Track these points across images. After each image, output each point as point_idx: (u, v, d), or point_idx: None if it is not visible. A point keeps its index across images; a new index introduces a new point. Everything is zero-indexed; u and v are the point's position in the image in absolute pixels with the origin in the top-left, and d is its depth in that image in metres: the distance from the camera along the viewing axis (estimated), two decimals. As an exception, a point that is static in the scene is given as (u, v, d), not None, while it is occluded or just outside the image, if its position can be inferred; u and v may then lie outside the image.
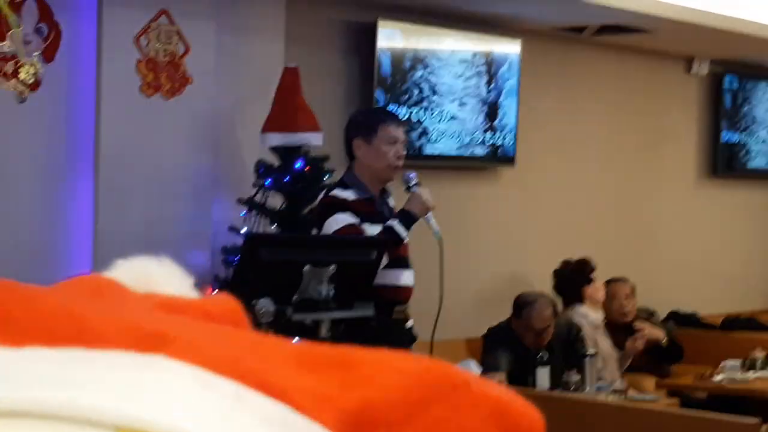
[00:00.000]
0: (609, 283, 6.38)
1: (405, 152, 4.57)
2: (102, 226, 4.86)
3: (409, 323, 4.56)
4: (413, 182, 4.49)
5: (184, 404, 0.45)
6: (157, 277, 0.62)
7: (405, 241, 4.47)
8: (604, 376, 5.81)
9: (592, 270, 6.20)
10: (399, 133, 4.55)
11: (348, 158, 4.61)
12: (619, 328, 6.27)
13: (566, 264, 6.28)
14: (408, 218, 4.42)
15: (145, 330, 0.50)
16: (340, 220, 4.35)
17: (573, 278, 6.19)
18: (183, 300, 0.58)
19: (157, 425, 0.44)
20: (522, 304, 5.62)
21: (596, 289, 6.18)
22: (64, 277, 0.59)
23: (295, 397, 0.48)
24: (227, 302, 0.57)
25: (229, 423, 0.46)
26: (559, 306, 6.05)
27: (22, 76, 4.81)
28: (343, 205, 4.38)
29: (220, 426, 0.45)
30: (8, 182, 4.67)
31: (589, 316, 6.08)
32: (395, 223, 4.40)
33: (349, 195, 4.42)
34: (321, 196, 4.60)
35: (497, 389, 0.52)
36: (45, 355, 0.47)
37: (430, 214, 4.46)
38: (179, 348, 0.49)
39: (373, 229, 4.38)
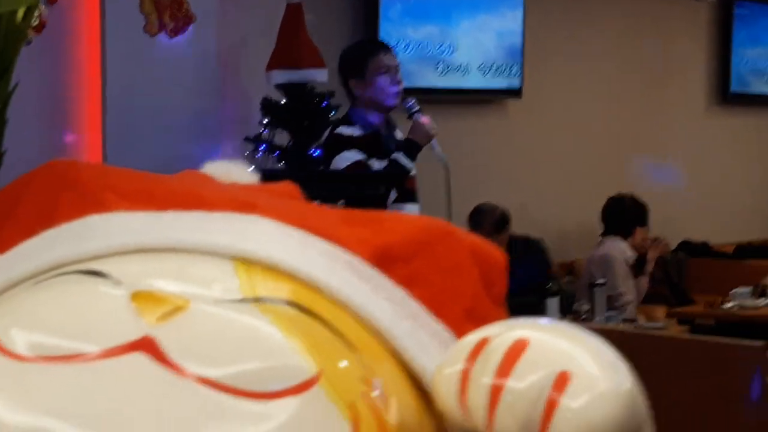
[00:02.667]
0: None
1: (400, 78, 4.70)
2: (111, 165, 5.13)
3: None
4: (414, 109, 4.63)
5: (272, 242, 0.75)
6: (234, 173, 0.92)
7: (412, 173, 4.64)
8: (631, 313, 6.11)
9: (647, 214, 6.48)
10: (390, 60, 4.71)
11: (349, 98, 4.80)
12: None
13: (627, 197, 6.53)
14: (412, 148, 4.57)
15: (240, 200, 0.80)
16: (347, 158, 4.52)
17: (631, 213, 6.46)
18: (257, 185, 0.88)
19: (255, 254, 0.74)
20: (472, 214, 5.95)
21: (645, 235, 6.46)
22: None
23: (342, 240, 0.78)
24: (288, 185, 0.87)
25: (300, 254, 0.76)
26: (598, 231, 6.39)
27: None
28: (348, 142, 4.55)
29: (295, 256, 0.75)
30: (14, 126, 4.93)
31: (627, 252, 6.37)
32: (399, 156, 4.55)
33: (354, 131, 4.59)
34: (326, 133, 4.81)
35: (474, 237, 0.82)
36: (179, 215, 0.77)
37: (434, 141, 4.61)
38: (263, 210, 0.79)
39: (380, 165, 4.55)
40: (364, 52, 4.78)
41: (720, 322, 6.20)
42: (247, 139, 5.33)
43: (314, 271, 0.75)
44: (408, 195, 4.70)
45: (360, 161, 4.54)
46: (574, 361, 0.67)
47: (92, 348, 0.67)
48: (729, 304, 6.20)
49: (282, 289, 0.73)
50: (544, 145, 7.13)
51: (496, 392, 0.67)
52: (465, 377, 0.69)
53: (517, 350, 0.68)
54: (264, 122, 5.31)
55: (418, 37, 6.33)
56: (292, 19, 5.33)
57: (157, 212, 0.77)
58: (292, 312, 0.72)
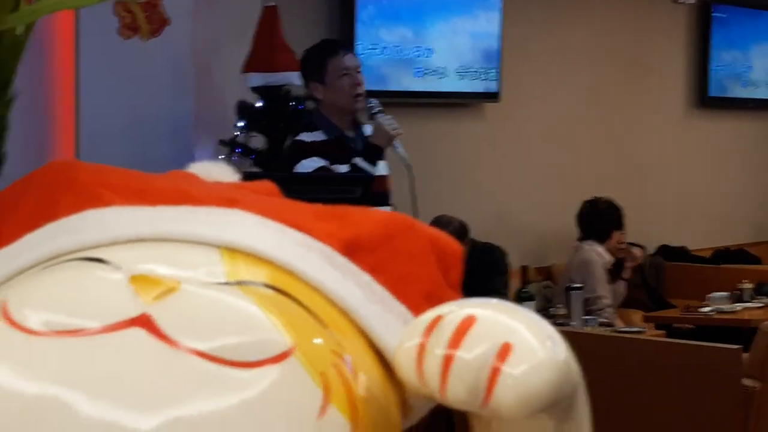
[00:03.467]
0: None
1: (361, 79, 4.70)
2: (85, 170, 5.23)
3: None
4: (375, 110, 4.64)
5: (252, 232, 0.87)
6: (216, 172, 1.04)
7: (385, 174, 4.67)
8: (609, 317, 6.25)
9: (623, 217, 6.62)
10: (349, 60, 4.74)
11: (313, 101, 4.87)
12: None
13: (602, 200, 6.67)
14: (372, 151, 4.59)
15: (223, 196, 0.92)
16: (307, 166, 4.56)
17: (607, 217, 6.59)
18: (238, 183, 1.00)
19: (237, 243, 0.87)
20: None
21: (621, 238, 6.60)
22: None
23: (314, 232, 0.90)
24: (267, 184, 0.99)
25: (277, 243, 0.88)
26: (575, 236, 6.53)
27: None
28: (308, 150, 4.59)
29: (273, 245, 0.87)
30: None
31: (605, 257, 6.50)
32: (359, 160, 4.55)
33: (316, 137, 4.63)
34: (288, 142, 4.87)
35: (432, 229, 0.94)
36: (169, 209, 0.89)
37: (397, 142, 4.61)
38: (245, 205, 0.91)
39: (343, 169, 4.57)
40: (323, 54, 4.80)
41: (698, 326, 6.34)
42: (222, 142, 5.42)
43: (290, 258, 0.87)
44: (378, 198, 4.66)
45: (324, 167, 4.56)
46: (516, 334, 0.80)
47: (95, 324, 0.79)
48: (706, 309, 6.34)
49: (262, 274, 0.86)
50: (521, 149, 7.26)
51: (447, 362, 0.80)
52: (421, 349, 0.81)
53: (466, 325, 0.80)
54: (239, 125, 5.40)
55: (394, 40, 6.46)
56: (268, 22, 5.41)
57: (149, 207, 0.89)
58: (271, 293, 0.84)
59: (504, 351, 0.79)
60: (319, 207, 0.94)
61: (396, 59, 6.48)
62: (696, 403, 4.51)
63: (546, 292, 6.83)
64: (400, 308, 0.90)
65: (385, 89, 6.11)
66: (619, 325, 6.23)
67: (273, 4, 5.44)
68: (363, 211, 0.93)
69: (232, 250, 0.87)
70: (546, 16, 7.35)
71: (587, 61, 7.62)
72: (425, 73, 6.63)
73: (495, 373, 0.79)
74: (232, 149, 5.37)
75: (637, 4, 7.90)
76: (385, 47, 6.44)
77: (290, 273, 0.87)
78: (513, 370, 0.79)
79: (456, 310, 0.82)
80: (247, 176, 3.73)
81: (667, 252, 7.65)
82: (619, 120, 7.84)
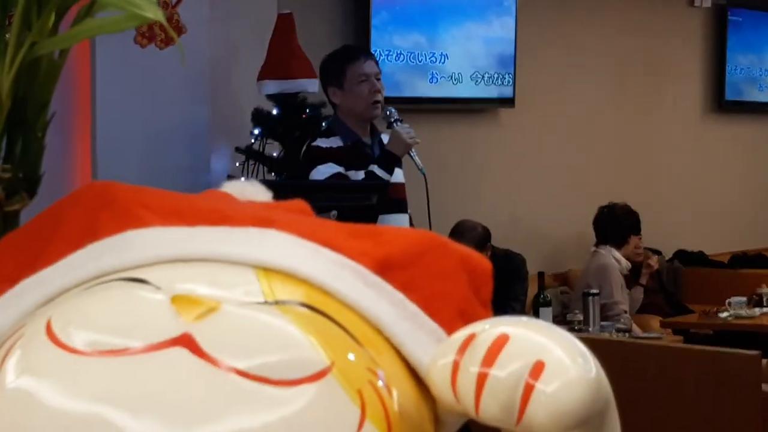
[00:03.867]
0: None
1: (381, 85, 4.75)
2: (101, 177, 5.26)
3: None
4: (393, 118, 4.69)
5: (288, 252, 0.90)
6: (249, 191, 1.06)
7: (395, 182, 4.68)
8: (626, 322, 6.27)
9: (640, 222, 6.65)
10: (369, 67, 4.78)
11: (332, 106, 4.90)
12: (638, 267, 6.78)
13: (616, 205, 6.69)
14: (389, 159, 4.63)
15: (259, 216, 0.94)
16: (323, 172, 4.60)
17: (625, 222, 6.61)
18: (272, 203, 1.03)
19: (273, 263, 0.89)
20: (453, 232, 6.08)
21: (638, 243, 6.63)
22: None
23: (348, 251, 0.93)
24: (299, 203, 1.02)
25: (312, 263, 0.90)
26: (592, 241, 6.55)
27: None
28: (323, 156, 4.63)
29: (308, 264, 0.90)
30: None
31: (621, 262, 6.52)
32: (375, 168, 4.60)
33: (332, 143, 4.67)
34: (304, 148, 4.89)
35: (463, 247, 0.97)
36: (206, 230, 0.92)
37: (413, 150, 4.65)
38: (280, 225, 0.93)
39: (359, 176, 4.61)
40: (343, 60, 4.85)
41: (716, 331, 6.35)
42: (237, 149, 5.46)
43: (325, 278, 0.90)
44: (395, 205, 4.74)
45: (339, 173, 4.60)
46: (548, 352, 0.82)
47: (138, 344, 0.81)
48: (724, 314, 6.35)
49: (297, 293, 0.88)
50: (537, 154, 7.28)
51: (481, 379, 0.82)
52: (456, 367, 0.84)
53: (499, 343, 0.83)
54: (255, 132, 5.44)
55: (408, 46, 6.49)
56: (284, 29, 5.45)
57: (187, 227, 0.92)
58: (307, 312, 0.87)
59: (537, 369, 0.81)
60: (352, 226, 0.96)
61: (411, 65, 6.51)
62: (715, 409, 4.51)
63: (563, 298, 6.86)
64: (433, 325, 0.93)
65: (399, 95, 6.14)
66: (637, 330, 6.24)
67: (288, 11, 5.48)
68: (395, 229, 0.96)
69: (268, 270, 0.90)
70: (560, 21, 7.37)
71: (602, 66, 7.64)
72: (440, 79, 6.66)
73: (528, 390, 0.81)
74: (248, 156, 5.41)
75: (653, 9, 7.92)
76: (399, 53, 6.48)
77: (325, 292, 0.90)
78: (546, 387, 0.81)
79: (489, 328, 0.84)
80: (264, 185, 3.75)
81: (684, 257, 7.66)
82: (635, 125, 7.86)
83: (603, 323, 5.91)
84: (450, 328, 0.90)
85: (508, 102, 7.01)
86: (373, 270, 0.92)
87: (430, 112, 6.50)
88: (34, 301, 0.90)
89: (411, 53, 6.54)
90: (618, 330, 5.91)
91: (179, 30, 5.53)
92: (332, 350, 0.84)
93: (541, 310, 5.74)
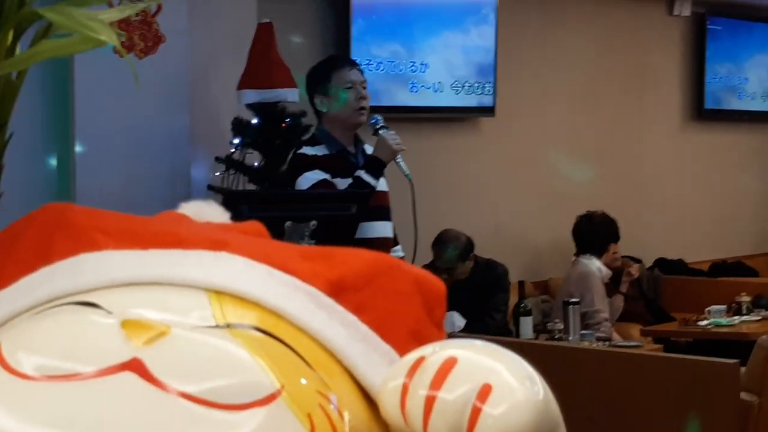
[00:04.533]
0: None
1: (366, 93, 4.77)
2: (81, 187, 5.23)
3: None
4: (379, 125, 4.70)
5: (240, 275, 0.91)
6: (207, 212, 1.07)
7: (378, 190, 4.69)
8: (606, 331, 6.29)
9: (618, 230, 6.66)
10: (354, 75, 4.81)
11: (316, 116, 4.92)
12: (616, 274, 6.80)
13: (594, 214, 6.71)
14: (375, 165, 4.65)
15: (213, 238, 0.95)
16: (310, 179, 4.62)
17: (602, 230, 6.63)
18: (226, 224, 1.03)
19: (225, 287, 0.90)
20: (437, 242, 6.10)
21: (616, 251, 6.65)
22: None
23: (301, 273, 0.93)
24: (255, 224, 1.02)
25: (264, 286, 0.91)
26: (572, 250, 6.57)
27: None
28: (310, 163, 4.65)
29: (260, 287, 0.90)
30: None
31: (603, 270, 6.54)
32: (362, 173, 4.62)
33: (318, 151, 4.69)
34: (290, 155, 4.89)
35: (417, 269, 0.97)
36: (160, 253, 0.92)
37: (399, 157, 4.66)
38: (233, 247, 0.94)
39: (345, 183, 4.62)
40: (328, 68, 4.88)
41: (696, 339, 6.37)
42: (217, 159, 5.46)
43: (277, 300, 0.90)
44: (378, 212, 4.78)
45: (325, 180, 4.62)
46: (495, 375, 0.83)
47: (89, 368, 0.82)
48: (704, 322, 6.37)
49: (249, 316, 0.89)
50: (518, 163, 7.30)
51: (430, 402, 0.83)
52: (405, 390, 0.84)
53: (447, 366, 0.83)
54: (235, 142, 5.44)
55: (387, 56, 6.50)
56: (263, 39, 5.45)
57: (141, 250, 0.92)
58: (258, 336, 0.87)
59: (484, 392, 0.82)
60: (305, 248, 0.97)
61: (391, 74, 6.52)
62: (695, 417, 4.53)
63: (543, 307, 6.87)
64: (385, 347, 0.93)
65: (380, 104, 6.15)
66: (617, 339, 6.26)
67: (268, 20, 5.49)
68: (349, 251, 0.97)
69: (220, 293, 0.90)
70: (540, 30, 7.39)
71: (583, 74, 7.67)
72: (420, 89, 6.67)
73: (476, 413, 0.82)
74: (228, 166, 5.41)
75: (633, 17, 7.95)
76: (380, 62, 6.49)
77: (277, 315, 0.90)
78: (493, 410, 0.82)
79: (438, 351, 0.85)
80: (244, 195, 3.76)
81: (664, 265, 7.68)
82: (615, 133, 7.88)
83: (583, 332, 5.92)
84: (403, 350, 0.91)
85: (488, 111, 7.02)
86: (326, 292, 0.93)
87: (411, 121, 6.50)
88: None
89: (391, 62, 6.55)
90: (598, 338, 5.92)
91: (159, 39, 5.53)
92: (282, 374, 0.84)
93: (521, 319, 5.74)
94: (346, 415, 0.87)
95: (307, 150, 4.75)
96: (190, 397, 0.80)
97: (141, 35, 5.50)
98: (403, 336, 0.94)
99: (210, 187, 5.43)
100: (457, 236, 6.14)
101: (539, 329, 6.19)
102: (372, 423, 0.89)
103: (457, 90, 6.84)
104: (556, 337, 5.79)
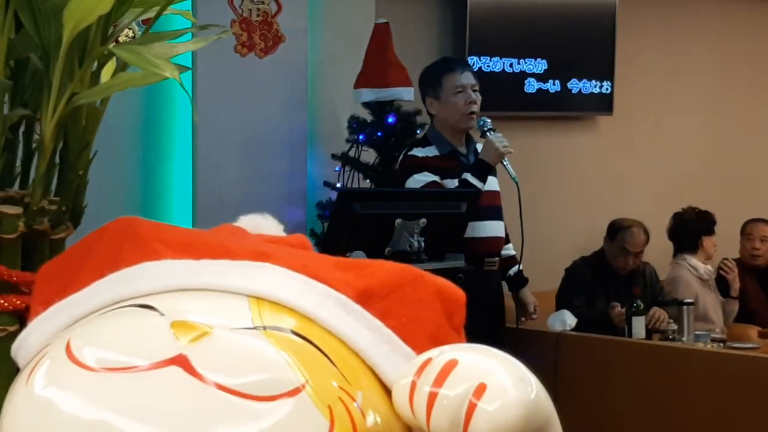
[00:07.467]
0: (747, 222, 6.87)
1: (478, 96, 4.89)
2: (201, 184, 5.44)
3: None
4: (486, 128, 4.81)
5: (278, 284, 1.05)
6: (262, 225, 1.22)
7: (490, 190, 4.82)
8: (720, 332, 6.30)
9: (714, 223, 6.65)
10: (465, 78, 4.91)
11: (429, 116, 5.05)
12: (747, 270, 6.77)
13: (688, 210, 6.72)
14: (482, 167, 4.76)
15: (257, 250, 1.09)
16: (419, 180, 4.76)
17: (694, 225, 6.62)
18: (277, 237, 1.18)
19: (265, 293, 1.04)
20: (617, 228, 6.14)
21: (713, 242, 6.63)
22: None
23: (333, 282, 1.07)
24: (300, 237, 1.17)
25: (299, 293, 1.05)
26: (670, 252, 6.57)
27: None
28: (419, 165, 4.78)
29: (296, 294, 1.05)
30: (110, 144, 5.30)
31: (699, 268, 6.53)
32: (468, 176, 4.74)
33: (428, 152, 4.82)
34: (401, 156, 5.02)
35: (440, 279, 1.11)
36: (210, 263, 1.08)
37: (506, 159, 4.76)
38: (275, 259, 1.08)
39: (454, 185, 4.76)
40: (440, 71, 5.00)
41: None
42: (334, 156, 5.63)
43: (310, 306, 1.05)
44: (490, 212, 4.90)
45: (434, 181, 4.75)
46: (491, 375, 0.96)
47: (143, 362, 0.97)
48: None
49: (284, 320, 1.04)
50: (634, 162, 7.31)
51: (432, 398, 0.97)
52: (413, 387, 0.98)
53: (449, 367, 0.97)
54: (350, 139, 5.60)
55: (503, 55, 6.58)
56: (380, 38, 5.59)
57: (194, 260, 1.08)
58: (291, 337, 1.02)
59: (480, 390, 0.95)
60: (340, 259, 1.11)
61: (507, 73, 6.61)
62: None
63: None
64: (406, 349, 1.07)
65: (493, 105, 6.23)
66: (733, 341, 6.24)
67: (385, 20, 5.63)
68: (378, 263, 1.10)
69: (260, 299, 1.05)
70: (660, 26, 7.38)
71: (705, 73, 7.62)
72: (537, 86, 6.74)
73: (472, 408, 0.95)
74: (344, 163, 5.57)
75: (756, 11, 7.87)
76: (495, 62, 6.58)
77: (310, 319, 1.05)
78: (487, 406, 0.95)
79: (443, 353, 0.99)
80: (356, 193, 3.91)
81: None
82: (738, 134, 7.81)
83: (698, 332, 5.93)
84: (422, 352, 1.04)
85: (606, 109, 7.05)
86: (354, 299, 1.07)
87: (527, 119, 6.59)
88: (61, 323, 1.08)
89: (507, 62, 6.63)
90: (713, 340, 5.93)
91: (279, 39, 5.72)
92: (308, 370, 0.99)
93: (634, 318, 5.78)
94: (370, 411, 1.00)
95: (416, 152, 4.87)
96: (225, 388, 0.95)
97: (261, 35, 5.69)
98: (424, 340, 1.08)
99: (326, 184, 5.60)
100: (637, 221, 6.23)
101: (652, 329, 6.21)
102: (391, 417, 1.03)
103: (573, 88, 6.89)
104: (670, 337, 5.82)
